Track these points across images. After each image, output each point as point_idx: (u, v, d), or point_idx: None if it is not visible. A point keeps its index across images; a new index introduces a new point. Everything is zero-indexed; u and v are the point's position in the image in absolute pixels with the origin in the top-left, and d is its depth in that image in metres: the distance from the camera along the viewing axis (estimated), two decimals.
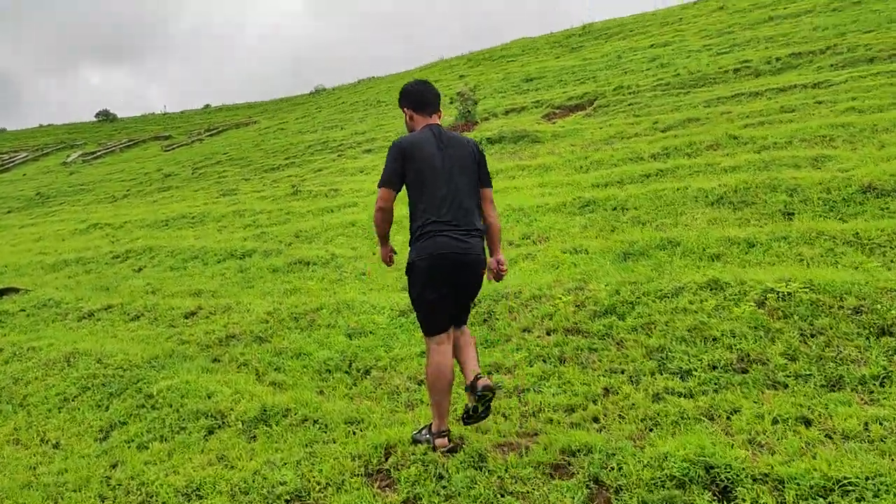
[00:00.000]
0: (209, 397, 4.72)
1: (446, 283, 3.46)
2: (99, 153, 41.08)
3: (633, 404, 3.71)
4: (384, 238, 3.75)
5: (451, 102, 19.36)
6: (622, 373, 4.08)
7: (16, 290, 8.52)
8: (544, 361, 4.43)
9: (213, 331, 6.17)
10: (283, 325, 6.01)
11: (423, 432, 3.64)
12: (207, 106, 52.17)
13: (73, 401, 5.15)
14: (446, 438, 3.54)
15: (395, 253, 3.86)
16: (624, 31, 29.13)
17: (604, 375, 4.09)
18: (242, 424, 4.30)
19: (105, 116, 49.17)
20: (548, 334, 4.76)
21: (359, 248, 8.39)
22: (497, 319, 5.13)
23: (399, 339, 5.28)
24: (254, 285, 7.62)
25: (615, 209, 7.43)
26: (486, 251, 3.63)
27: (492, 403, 3.58)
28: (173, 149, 36.84)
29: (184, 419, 4.49)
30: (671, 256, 5.65)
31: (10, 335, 7.11)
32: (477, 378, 3.45)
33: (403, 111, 3.71)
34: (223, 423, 4.38)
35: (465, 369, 3.58)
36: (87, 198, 24.61)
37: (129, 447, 4.31)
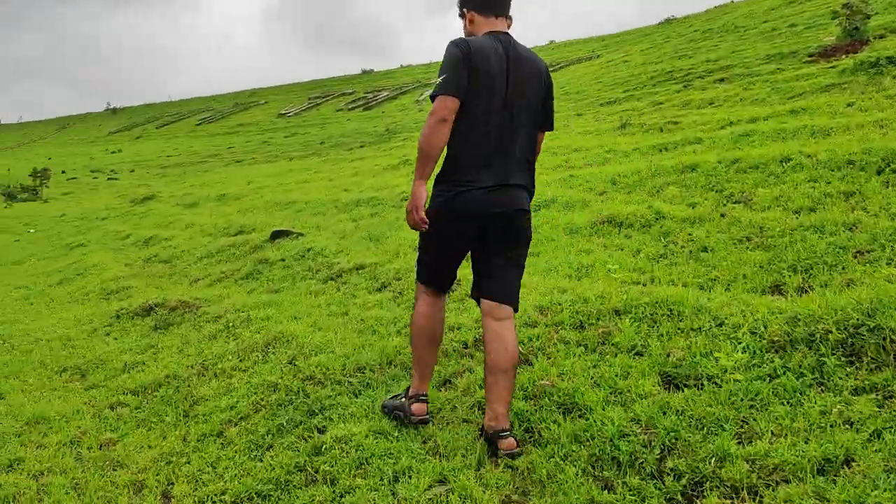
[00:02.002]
0: (396, 480, 2.62)
1: (469, 243, 2.84)
2: None
3: None
4: (431, 167, 2.71)
5: (834, 18, 15.07)
6: None
7: (288, 234, 7.51)
8: None
9: (461, 325, 4.08)
10: (558, 333, 3.65)
11: (399, 396, 3.06)
12: (552, 42, 51.02)
13: (236, 425, 3.48)
14: (424, 404, 2.93)
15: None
16: None
17: None
18: None
19: None
20: None
21: (699, 204, 5.59)
22: None
23: (772, 410, 2.57)
24: (539, 251, 5.37)
25: None
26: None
27: None
28: None
29: None
30: None
31: (254, 294, 5.93)
32: (500, 434, 2.66)
33: (464, 17, 2.86)
34: None
35: (490, 401, 2.71)
36: None
37: None
